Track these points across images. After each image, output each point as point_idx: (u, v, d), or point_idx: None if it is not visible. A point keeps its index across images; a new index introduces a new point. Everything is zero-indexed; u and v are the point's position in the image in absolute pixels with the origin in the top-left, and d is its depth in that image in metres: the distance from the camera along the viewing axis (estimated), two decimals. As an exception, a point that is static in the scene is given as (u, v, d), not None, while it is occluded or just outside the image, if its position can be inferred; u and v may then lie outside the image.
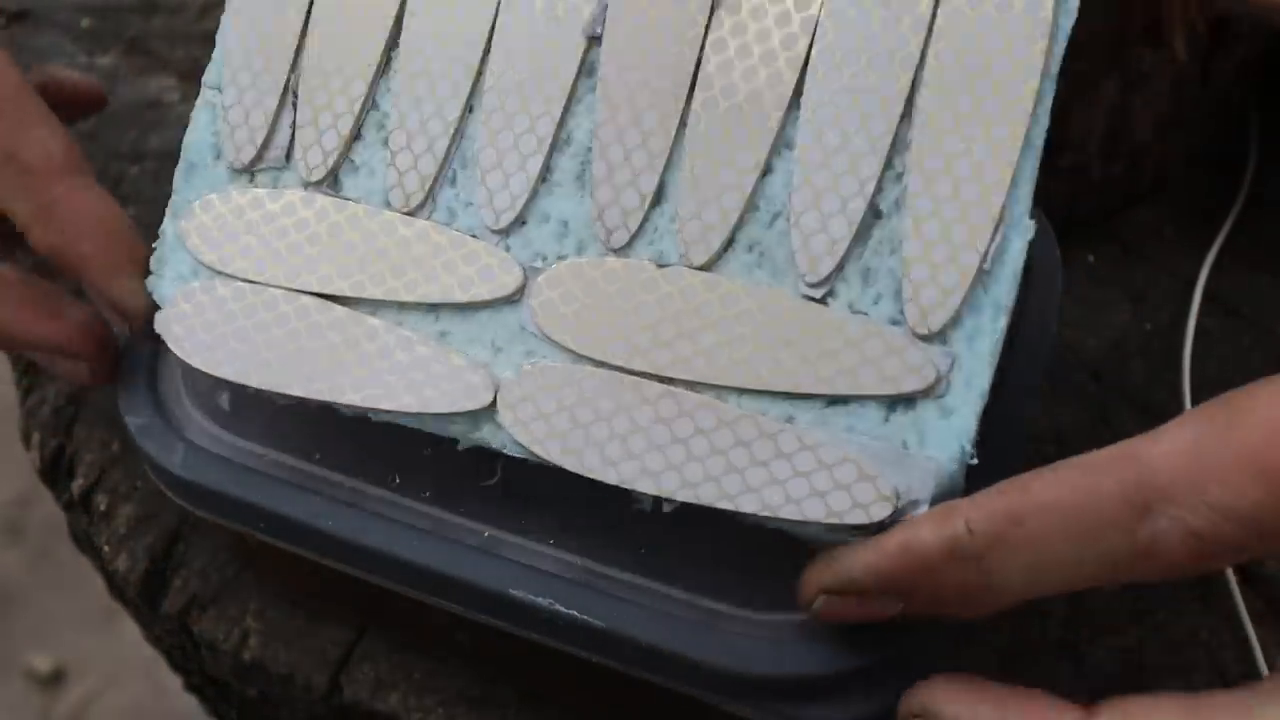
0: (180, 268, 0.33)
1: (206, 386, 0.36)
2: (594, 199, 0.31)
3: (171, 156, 0.35)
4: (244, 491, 0.34)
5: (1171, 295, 0.46)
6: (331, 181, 0.33)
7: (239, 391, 0.36)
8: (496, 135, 0.32)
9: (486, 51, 0.32)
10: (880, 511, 0.28)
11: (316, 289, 0.32)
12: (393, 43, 0.33)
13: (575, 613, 0.31)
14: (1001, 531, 0.26)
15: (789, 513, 0.29)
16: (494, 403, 0.31)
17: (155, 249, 0.34)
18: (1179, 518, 0.25)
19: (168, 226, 0.34)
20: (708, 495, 0.29)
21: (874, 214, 0.30)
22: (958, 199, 0.29)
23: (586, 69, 0.31)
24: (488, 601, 0.32)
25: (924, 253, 0.29)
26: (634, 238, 0.31)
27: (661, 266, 0.31)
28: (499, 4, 0.32)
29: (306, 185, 0.33)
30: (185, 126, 0.35)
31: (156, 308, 0.34)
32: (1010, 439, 0.33)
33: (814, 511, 0.29)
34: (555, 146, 0.31)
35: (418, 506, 0.33)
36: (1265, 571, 0.40)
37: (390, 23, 0.32)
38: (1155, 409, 0.44)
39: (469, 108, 0.32)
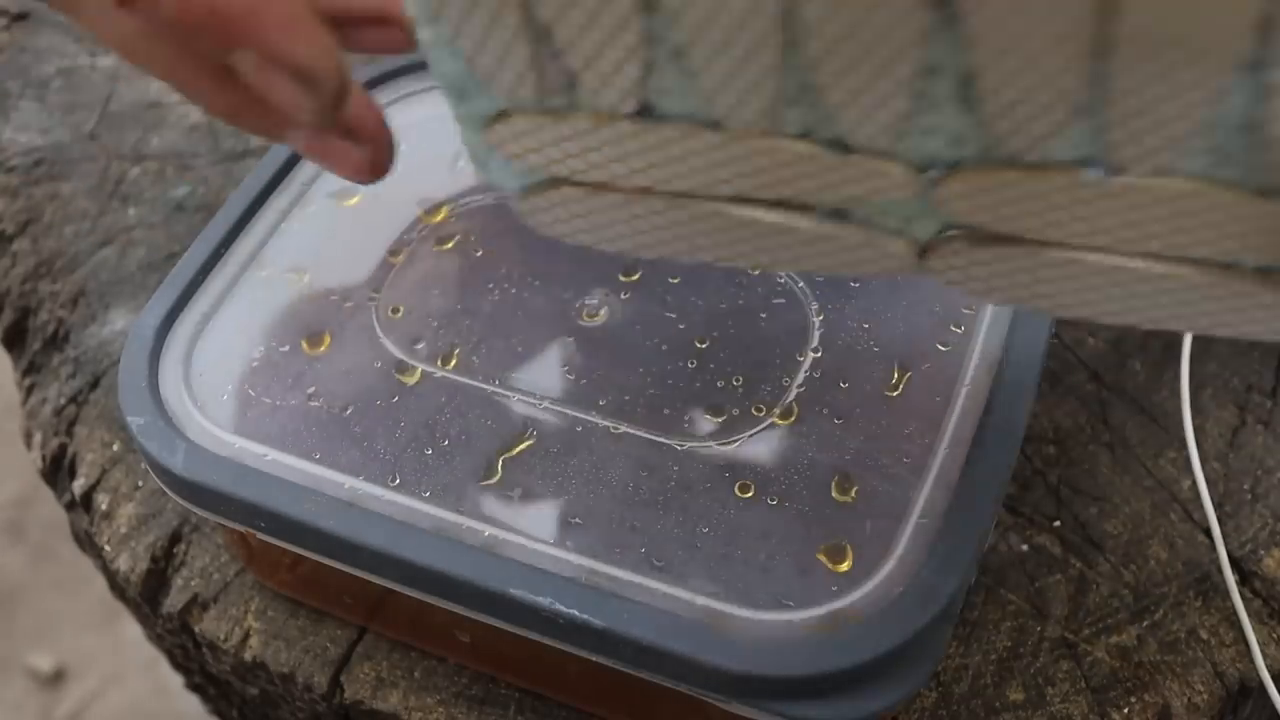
0: (504, 172, 0.29)
1: (207, 387, 0.36)
2: (988, 128, 0.24)
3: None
4: (244, 491, 0.34)
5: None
6: (641, 111, 0.27)
7: (241, 391, 0.36)
8: (841, 78, 0.24)
9: None
10: None
11: (683, 190, 0.28)
12: None
13: (575, 613, 0.31)
14: None
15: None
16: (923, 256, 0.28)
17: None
18: None
19: (470, 139, 0.29)
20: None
21: None
22: None
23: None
24: (488, 601, 0.32)
25: None
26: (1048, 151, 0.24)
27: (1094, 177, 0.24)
28: None
29: (613, 117, 0.27)
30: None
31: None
32: (1008, 439, 0.34)
33: None
34: (922, 76, 0.24)
35: (418, 506, 0.33)
36: (1265, 571, 0.40)
37: None
38: (1155, 409, 0.44)
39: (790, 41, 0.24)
